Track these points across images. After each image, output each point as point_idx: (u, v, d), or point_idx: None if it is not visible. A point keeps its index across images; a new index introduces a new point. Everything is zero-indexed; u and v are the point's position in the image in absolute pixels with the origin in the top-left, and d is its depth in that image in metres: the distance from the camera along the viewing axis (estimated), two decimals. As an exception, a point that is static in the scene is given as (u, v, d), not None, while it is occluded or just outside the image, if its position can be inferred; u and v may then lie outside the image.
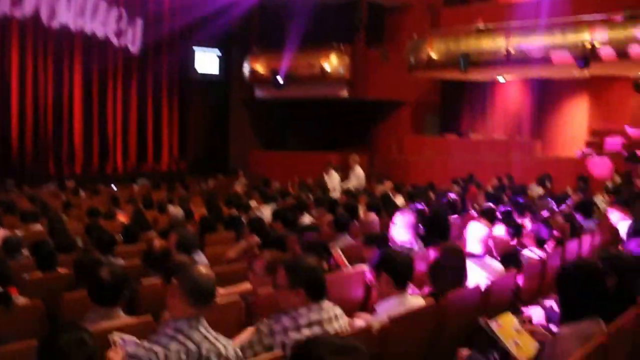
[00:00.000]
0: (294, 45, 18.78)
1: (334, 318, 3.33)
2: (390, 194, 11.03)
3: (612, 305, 3.29)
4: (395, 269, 3.71)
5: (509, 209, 7.47)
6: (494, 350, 3.54)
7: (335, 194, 12.57)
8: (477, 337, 3.71)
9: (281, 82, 18.96)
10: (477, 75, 18.38)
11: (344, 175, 14.29)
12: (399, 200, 10.53)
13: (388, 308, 3.64)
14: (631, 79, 18.01)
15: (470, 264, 4.40)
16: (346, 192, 11.34)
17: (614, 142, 16.47)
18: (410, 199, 10.67)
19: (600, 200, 10.09)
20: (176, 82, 20.38)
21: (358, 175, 13.95)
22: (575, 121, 18.98)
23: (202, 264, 4.06)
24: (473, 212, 8.82)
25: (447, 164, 16.14)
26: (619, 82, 18.40)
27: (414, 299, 3.80)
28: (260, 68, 19.81)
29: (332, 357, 1.67)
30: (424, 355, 3.82)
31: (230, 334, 3.25)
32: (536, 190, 12.06)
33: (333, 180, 13.61)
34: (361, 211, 8.99)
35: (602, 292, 3.16)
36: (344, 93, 19.60)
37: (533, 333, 3.47)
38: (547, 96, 19.72)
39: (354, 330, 3.37)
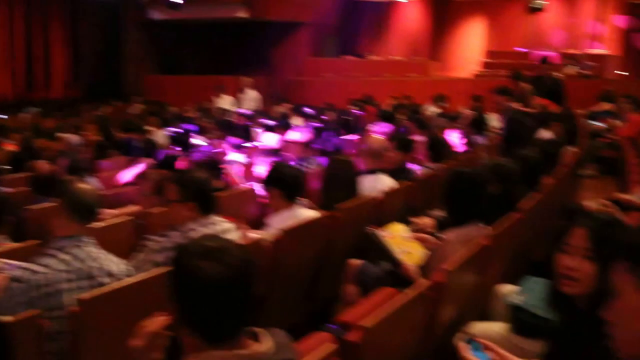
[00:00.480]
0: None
1: (225, 232, 3.28)
2: (288, 115, 10.97)
3: (495, 212, 3.42)
4: (285, 183, 3.68)
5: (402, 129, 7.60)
6: (384, 259, 3.61)
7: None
8: (368, 247, 3.77)
9: (180, 0, 18.15)
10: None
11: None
12: (297, 121, 10.49)
13: (280, 221, 3.62)
14: (525, 0, 18.48)
15: (363, 179, 4.44)
16: (241, 115, 11.16)
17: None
18: (307, 119, 10.67)
19: (493, 117, 10.42)
20: (66, 3, 19.10)
21: (251, 97, 13.70)
22: (471, 42, 19.40)
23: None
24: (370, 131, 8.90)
25: (345, 85, 16.16)
26: (514, 4, 18.84)
27: (307, 212, 3.79)
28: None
29: (200, 261, 1.61)
30: (317, 266, 3.86)
31: (121, 254, 3.15)
32: (432, 109, 12.30)
33: (224, 103, 13.32)
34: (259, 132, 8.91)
35: (486, 199, 3.26)
36: (243, 13, 19.05)
37: (422, 241, 3.55)
38: (444, 17, 19.97)
39: (245, 242, 3.33)
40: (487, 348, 1.70)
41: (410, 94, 13.89)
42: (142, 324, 1.68)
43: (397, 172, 4.93)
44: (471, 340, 1.66)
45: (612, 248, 1.89)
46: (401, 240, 3.56)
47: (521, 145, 5.25)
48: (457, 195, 3.25)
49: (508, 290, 3.21)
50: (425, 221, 3.90)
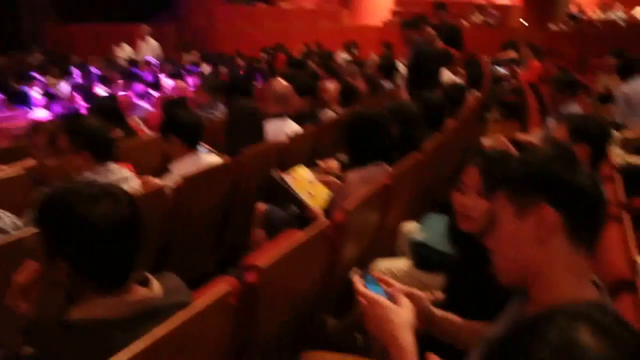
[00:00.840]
0: None
1: (123, 180, 3.16)
2: (198, 63, 10.70)
3: (398, 153, 3.45)
4: (183, 129, 3.57)
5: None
6: (291, 202, 3.59)
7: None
8: (274, 191, 3.74)
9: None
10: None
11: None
12: (206, 68, 10.26)
13: (182, 168, 3.53)
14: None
15: (268, 123, 4.38)
16: (146, 63, 10.80)
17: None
18: (215, 66, 10.45)
19: (401, 65, 10.51)
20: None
21: (151, 46, 13.21)
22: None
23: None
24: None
25: (256, 33, 15.90)
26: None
27: (210, 157, 3.71)
28: None
29: (85, 205, 1.53)
30: (223, 213, 3.81)
31: (15, 209, 2.99)
32: (343, 56, 12.29)
33: (124, 53, 12.77)
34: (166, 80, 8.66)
35: (386, 140, 3.28)
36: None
37: (326, 183, 3.55)
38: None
39: (146, 190, 3.23)
40: (381, 281, 1.71)
41: (321, 42, 13.81)
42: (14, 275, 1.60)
43: (304, 117, 4.90)
44: (365, 275, 1.66)
45: (494, 180, 1.95)
46: (305, 183, 3.55)
47: (426, 82, 5.32)
48: (357, 136, 3.24)
49: (411, 227, 3.27)
50: (330, 164, 3.89)
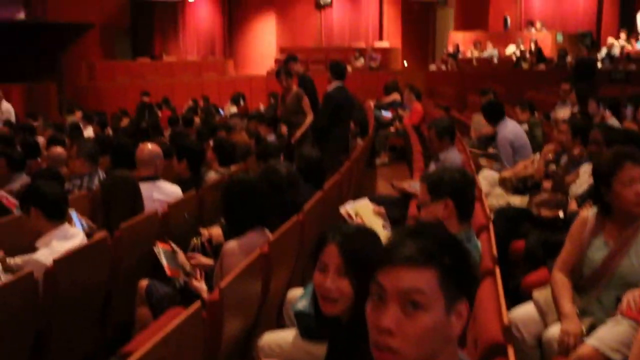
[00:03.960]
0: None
1: None
2: (81, 124, 10.35)
3: (275, 217, 3.42)
4: (45, 201, 3.39)
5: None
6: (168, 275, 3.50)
7: None
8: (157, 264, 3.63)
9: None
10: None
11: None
12: (89, 131, 9.94)
13: (47, 244, 3.34)
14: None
15: (144, 187, 4.27)
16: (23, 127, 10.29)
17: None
18: (102, 127, 10.15)
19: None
20: None
21: (5, 109, 12.46)
22: (264, 39, 19.66)
23: None
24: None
25: (141, 88, 15.65)
26: (302, 1, 19.38)
27: (73, 230, 3.53)
28: None
29: None
30: (105, 291, 3.64)
31: None
32: (231, 108, 12.30)
33: None
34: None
35: (263, 206, 3.24)
36: (21, 15, 17.67)
37: (198, 264, 3.48)
38: (236, 15, 20.04)
39: (15, 277, 3.03)
40: None
41: (208, 94, 13.78)
42: None
43: (187, 181, 4.82)
44: None
45: (355, 259, 1.90)
46: (184, 259, 3.47)
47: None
48: (232, 203, 3.20)
49: (297, 294, 3.23)
50: (214, 231, 3.82)
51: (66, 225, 3.47)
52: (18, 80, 16.74)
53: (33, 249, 3.42)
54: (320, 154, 4.66)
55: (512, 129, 6.26)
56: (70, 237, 3.44)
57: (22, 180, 6.00)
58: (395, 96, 11.70)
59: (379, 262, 1.33)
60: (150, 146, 4.68)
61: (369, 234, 2.01)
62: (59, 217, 3.44)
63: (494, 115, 6.31)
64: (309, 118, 6.88)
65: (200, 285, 3.29)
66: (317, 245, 2.00)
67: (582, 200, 4.05)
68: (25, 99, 15.08)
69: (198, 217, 4.18)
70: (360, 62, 16.98)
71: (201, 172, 5.23)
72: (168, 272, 3.32)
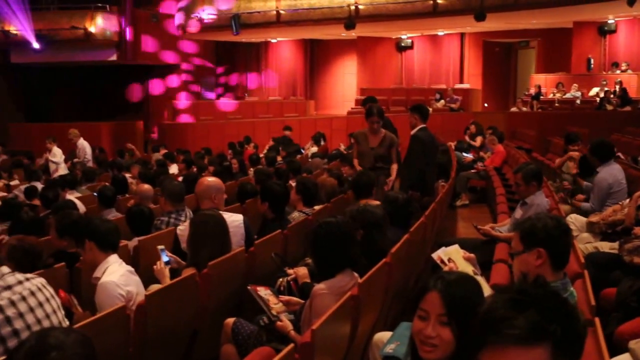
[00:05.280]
0: (53, 5, 17.35)
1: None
2: (166, 162, 10.70)
3: (366, 258, 3.41)
4: (98, 234, 3.61)
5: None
6: (261, 315, 3.52)
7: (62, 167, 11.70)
8: (245, 303, 3.67)
9: (36, 46, 17.33)
10: (249, 37, 18.43)
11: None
12: (174, 168, 10.24)
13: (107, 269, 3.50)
14: (393, 40, 19.17)
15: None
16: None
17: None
18: (187, 166, 10.45)
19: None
20: None
21: (81, 147, 12.96)
22: (345, 81, 19.90)
23: None
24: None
25: (223, 128, 16.07)
26: (384, 43, 19.55)
27: (117, 262, 3.69)
28: (13, 29, 17.88)
29: None
30: (191, 328, 3.69)
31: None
32: (311, 148, 12.43)
33: (55, 155, 12.32)
34: (134, 182, 8.60)
35: (352, 248, 3.23)
36: (113, 57, 18.58)
37: (287, 302, 3.48)
38: (319, 57, 20.41)
39: (107, 311, 3.11)
40: None
41: (290, 134, 13.99)
42: None
43: (272, 221, 4.87)
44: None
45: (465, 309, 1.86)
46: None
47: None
48: (322, 248, 3.20)
49: (384, 337, 3.18)
50: (300, 272, 3.83)
51: (116, 256, 3.67)
52: (103, 118, 17.54)
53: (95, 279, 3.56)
54: (406, 196, 4.62)
55: (615, 173, 6.00)
56: (122, 262, 3.64)
57: (111, 215, 6.24)
58: (480, 139, 11.60)
59: (484, 335, 1.27)
60: (208, 180, 4.82)
61: (470, 282, 1.99)
62: (111, 248, 3.64)
63: (603, 154, 6.06)
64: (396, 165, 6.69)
65: (285, 324, 3.29)
66: (418, 293, 1.98)
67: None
68: (113, 136, 15.73)
69: (283, 257, 4.19)
70: (441, 103, 16.91)
71: (285, 211, 5.27)
72: (272, 310, 3.35)
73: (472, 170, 10.18)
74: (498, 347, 1.24)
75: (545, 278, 2.40)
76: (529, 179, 5.06)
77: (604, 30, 17.70)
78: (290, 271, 3.87)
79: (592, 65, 18.06)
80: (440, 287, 1.93)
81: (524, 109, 16.82)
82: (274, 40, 20.21)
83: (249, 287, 3.53)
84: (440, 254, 3.23)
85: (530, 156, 10.78)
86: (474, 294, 1.92)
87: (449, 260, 3.21)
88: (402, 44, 19.71)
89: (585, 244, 5.01)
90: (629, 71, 17.31)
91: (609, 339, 3.40)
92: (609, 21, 17.37)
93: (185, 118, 17.78)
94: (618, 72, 17.39)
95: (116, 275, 3.49)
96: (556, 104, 16.62)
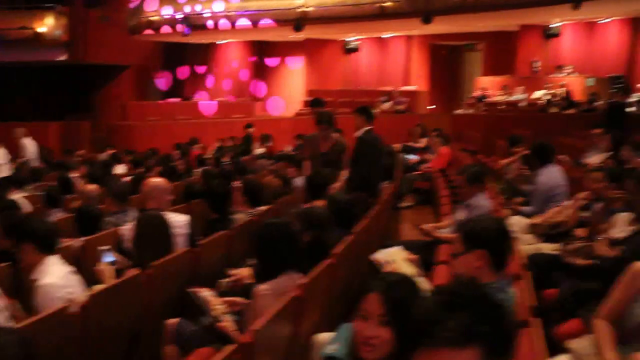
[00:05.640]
0: (3, 5, 16.96)
1: None
2: (110, 163, 10.54)
3: (309, 259, 3.43)
4: (36, 235, 3.49)
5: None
6: (203, 317, 3.51)
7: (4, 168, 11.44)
8: (189, 305, 3.65)
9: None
10: (198, 38, 18.30)
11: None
12: (120, 169, 10.10)
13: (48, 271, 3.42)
14: (340, 42, 19.29)
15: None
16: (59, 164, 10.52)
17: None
18: (134, 166, 10.32)
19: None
20: None
21: (29, 146, 12.71)
22: (292, 82, 19.92)
23: None
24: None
25: (171, 128, 15.87)
26: (331, 45, 19.65)
27: (58, 263, 3.61)
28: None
29: None
30: (134, 328, 3.66)
31: None
32: (259, 149, 12.41)
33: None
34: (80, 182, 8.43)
35: (296, 249, 3.26)
36: (63, 57, 18.23)
37: (232, 304, 3.48)
38: (266, 58, 20.37)
39: (48, 312, 3.06)
40: None
41: (236, 135, 13.94)
42: None
43: (216, 221, 4.87)
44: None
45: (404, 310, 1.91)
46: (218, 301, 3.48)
47: None
48: (266, 248, 3.21)
49: (325, 338, 3.21)
50: (243, 272, 3.84)
51: (57, 257, 3.57)
52: (50, 118, 17.15)
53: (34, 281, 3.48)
54: (351, 198, 4.67)
55: (555, 175, 6.17)
56: (62, 263, 3.54)
57: (57, 215, 6.12)
58: (424, 141, 11.77)
59: (418, 336, 1.32)
60: (154, 180, 4.78)
61: (409, 283, 2.05)
62: (50, 250, 3.53)
63: (543, 157, 6.22)
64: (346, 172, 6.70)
65: (228, 325, 3.29)
66: (359, 293, 2.03)
67: (618, 245, 4.01)
68: (61, 136, 15.40)
69: (226, 258, 4.19)
70: (388, 105, 17.08)
71: (230, 212, 5.26)
72: (214, 311, 3.34)
73: (417, 172, 10.32)
74: (431, 349, 1.29)
75: (481, 279, 2.49)
76: (472, 180, 5.17)
77: (549, 34, 18.11)
78: (232, 272, 3.87)
79: (537, 68, 18.48)
80: (380, 288, 1.98)
81: (470, 111, 17.12)
82: (222, 42, 20.09)
83: (189, 291, 3.51)
84: (381, 256, 3.29)
85: (475, 158, 10.99)
86: (413, 295, 1.97)
87: (390, 261, 3.27)
88: (349, 47, 19.87)
89: (528, 245, 5.14)
90: (574, 74, 17.77)
91: (549, 339, 3.51)
92: (554, 25, 17.78)
93: (133, 118, 17.51)
94: (563, 75, 17.83)
95: (55, 277, 3.43)
96: (501, 107, 16.95)
